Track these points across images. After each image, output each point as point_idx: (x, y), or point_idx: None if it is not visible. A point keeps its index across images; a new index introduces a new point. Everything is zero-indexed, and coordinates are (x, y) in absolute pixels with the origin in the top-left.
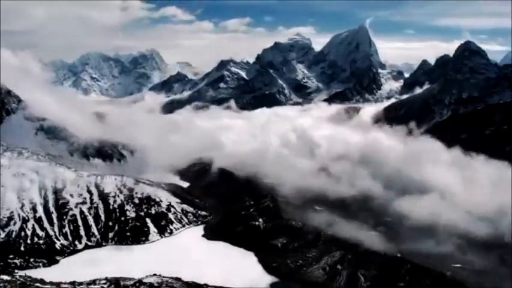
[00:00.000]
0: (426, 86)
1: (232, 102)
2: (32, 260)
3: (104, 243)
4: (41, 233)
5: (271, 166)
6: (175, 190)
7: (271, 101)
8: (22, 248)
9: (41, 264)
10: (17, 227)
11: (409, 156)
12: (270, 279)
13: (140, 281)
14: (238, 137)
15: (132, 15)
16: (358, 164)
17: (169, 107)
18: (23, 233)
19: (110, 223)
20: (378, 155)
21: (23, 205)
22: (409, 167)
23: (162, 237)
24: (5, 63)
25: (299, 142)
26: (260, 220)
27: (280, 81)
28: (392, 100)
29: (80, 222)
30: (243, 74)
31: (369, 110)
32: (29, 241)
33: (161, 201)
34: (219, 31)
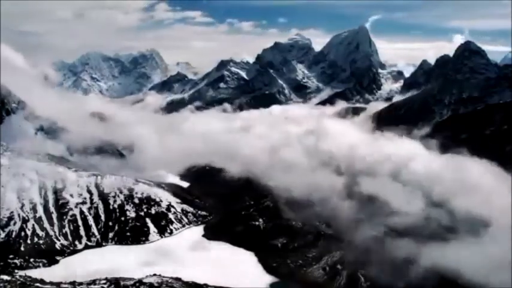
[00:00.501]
0: (426, 86)
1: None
2: (32, 260)
3: (104, 243)
4: (41, 233)
5: (289, 178)
6: (175, 190)
7: (271, 101)
8: (22, 248)
9: (41, 264)
10: (17, 227)
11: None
12: (270, 279)
13: (140, 281)
14: (245, 138)
15: (155, 17)
16: (393, 181)
17: (170, 107)
18: (23, 233)
19: (110, 223)
20: (417, 173)
21: (23, 205)
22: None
23: (162, 237)
24: (16, 67)
25: (318, 149)
26: (260, 220)
27: (280, 81)
28: (393, 100)
29: (80, 222)
30: (243, 74)
31: (375, 108)
32: (29, 241)
33: (161, 201)
34: (233, 32)
